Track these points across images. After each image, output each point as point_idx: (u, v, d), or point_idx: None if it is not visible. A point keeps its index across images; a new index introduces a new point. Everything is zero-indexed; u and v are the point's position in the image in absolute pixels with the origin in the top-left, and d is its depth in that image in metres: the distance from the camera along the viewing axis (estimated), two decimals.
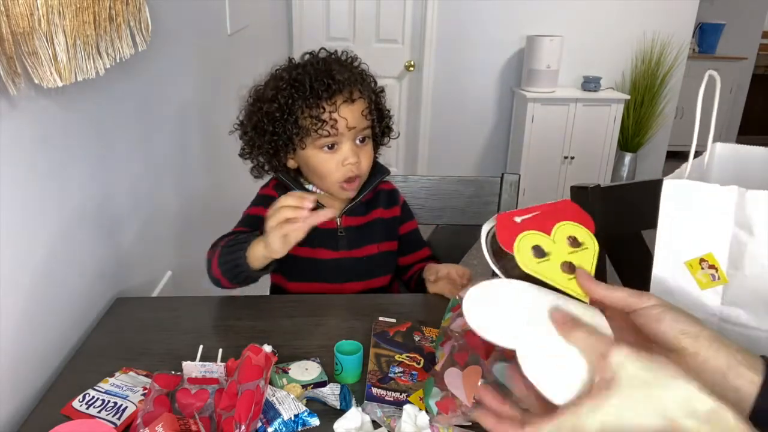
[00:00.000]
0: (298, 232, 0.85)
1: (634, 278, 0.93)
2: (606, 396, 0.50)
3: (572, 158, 3.65)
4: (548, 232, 0.64)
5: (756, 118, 5.31)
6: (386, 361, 0.81)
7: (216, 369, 0.74)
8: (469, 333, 0.68)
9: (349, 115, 1.00)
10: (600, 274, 0.63)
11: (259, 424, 0.68)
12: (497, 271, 0.65)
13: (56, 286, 0.86)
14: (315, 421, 0.70)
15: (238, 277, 0.97)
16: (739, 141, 0.78)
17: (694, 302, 0.68)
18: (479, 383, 0.64)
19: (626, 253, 1.21)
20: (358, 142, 1.05)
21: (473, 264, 1.21)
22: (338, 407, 0.73)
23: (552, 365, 0.54)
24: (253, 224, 1.04)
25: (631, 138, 3.85)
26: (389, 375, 0.78)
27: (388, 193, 1.19)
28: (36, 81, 0.72)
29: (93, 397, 0.75)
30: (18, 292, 0.76)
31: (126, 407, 0.73)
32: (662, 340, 0.57)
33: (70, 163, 0.89)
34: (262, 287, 1.11)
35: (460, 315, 0.62)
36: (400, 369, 0.79)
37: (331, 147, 1.02)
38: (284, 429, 0.69)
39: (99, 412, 0.72)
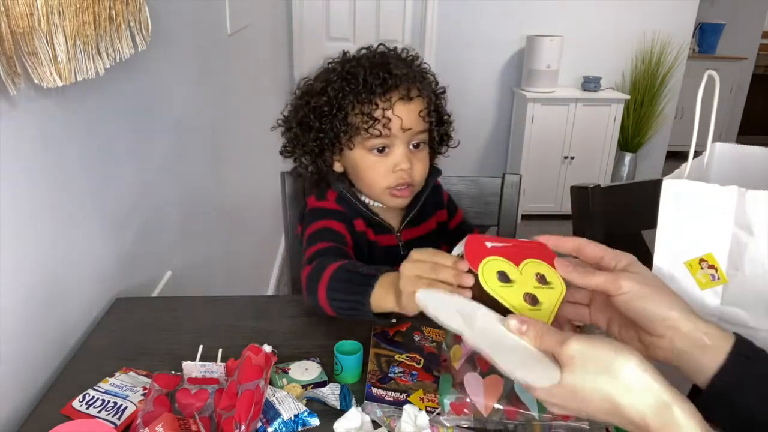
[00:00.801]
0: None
1: None
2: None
3: (572, 158, 3.65)
4: (516, 264, 0.65)
5: (756, 118, 5.31)
6: (386, 361, 0.81)
7: (216, 369, 0.74)
8: None
9: (404, 114, 0.92)
10: None
11: (259, 424, 0.68)
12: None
13: (56, 286, 0.86)
14: (315, 421, 0.70)
15: (349, 315, 0.81)
16: (739, 141, 0.78)
17: (693, 302, 0.68)
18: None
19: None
20: (412, 147, 0.96)
21: None
22: (338, 407, 0.73)
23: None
24: (338, 239, 0.95)
25: (631, 138, 3.85)
26: (389, 375, 0.78)
27: (434, 192, 1.09)
28: (36, 81, 0.72)
29: (93, 397, 0.75)
30: (18, 292, 0.76)
31: (126, 407, 0.73)
32: (638, 324, 0.61)
33: (70, 163, 0.89)
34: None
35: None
36: (400, 369, 0.79)
37: (382, 150, 0.94)
38: (284, 429, 0.69)
39: (99, 412, 0.72)
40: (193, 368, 0.74)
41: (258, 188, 2.41)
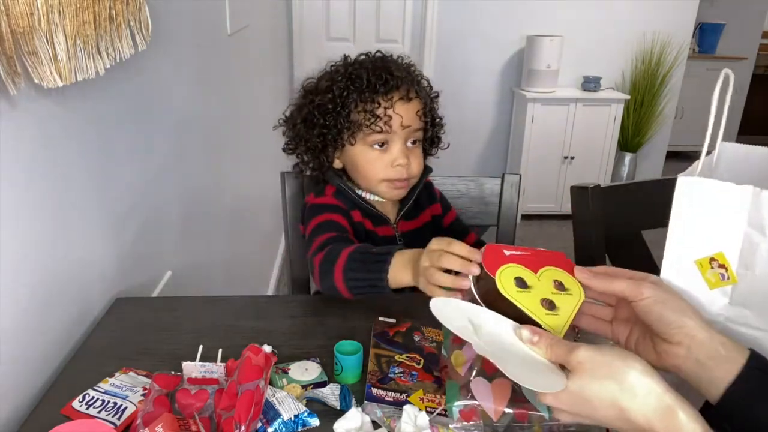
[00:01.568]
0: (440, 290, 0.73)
1: None
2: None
3: (572, 158, 3.65)
4: (534, 271, 0.65)
5: (756, 118, 5.31)
6: (386, 361, 0.81)
7: (216, 369, 0.74)
8: None
9: (404, 113, 0.99)
10: None
11: (259, 424, 0.68)
12: (476, 295, 0.67)
13: (56, 286, 0.85)
14: (315, 422, 0.70)
15: (367, 293, 0.87)
16: (739, 141, 0.78)
17: (702, 301, 0.68)
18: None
19: (626, 253, 1.21)
20: (409, 144, 1.03)
21: None
22: (338, 407, 0.73)
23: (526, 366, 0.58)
24: (341, 230, 1.00)
25: (631, 138, 3.85)
26: (389, 375, 0.78)
27: (426, 189, 1.16)
28: (36, 81, 0.72)
29: (93, 397, 0.74)
30: (18, 292, 0.76)
31: (126, 407, 0.72)
32: (656, 331, 0.61)
33: (70, 163, 0.89)
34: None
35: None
36: (400, 369, 0.79)
37: (382, 145, 1.01)
38: (284, 429, 0.69)
39: (99, 412, 0.72)
40: (193, 368, 0.74)
41: (258, 188, 2.41)
